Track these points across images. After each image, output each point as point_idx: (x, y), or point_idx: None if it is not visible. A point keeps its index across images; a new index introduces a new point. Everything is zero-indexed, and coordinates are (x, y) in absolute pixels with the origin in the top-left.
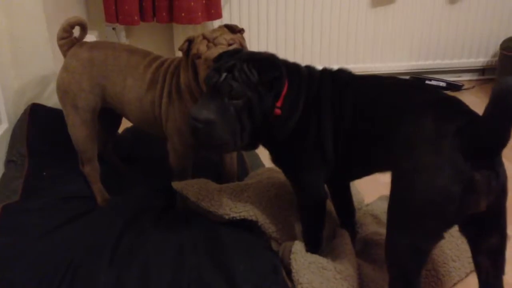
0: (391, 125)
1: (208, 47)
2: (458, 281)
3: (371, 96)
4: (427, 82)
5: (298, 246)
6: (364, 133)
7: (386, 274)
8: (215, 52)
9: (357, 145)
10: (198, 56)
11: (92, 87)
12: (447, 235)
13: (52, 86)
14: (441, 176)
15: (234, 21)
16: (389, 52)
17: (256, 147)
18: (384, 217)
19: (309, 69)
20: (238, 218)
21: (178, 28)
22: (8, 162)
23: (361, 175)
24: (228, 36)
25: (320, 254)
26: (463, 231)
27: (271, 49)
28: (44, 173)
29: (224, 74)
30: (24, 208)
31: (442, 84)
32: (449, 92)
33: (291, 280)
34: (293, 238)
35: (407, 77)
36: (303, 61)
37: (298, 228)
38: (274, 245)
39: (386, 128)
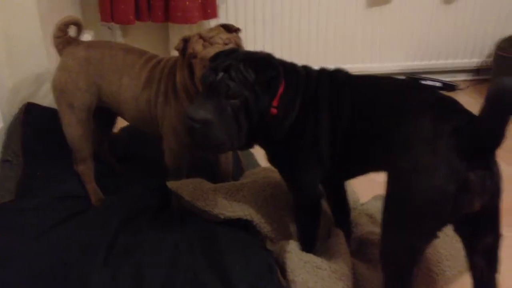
0: (388, 125)
1: (204, 47)
2: (452, 280)
3: (368, 96)
4: (422, 82)
5: (293, 246)
6: (362, 133)
7: (381, 274)
8: (211, 51)
9: (354, 144)
10: (194, 55)
11: (88, 86)
12: (441, 234)
13: (47, 85)
14: (437, 176)
15: (230, 21)
16: (384, 52)
17: (252, 146)
18: (379, 216)
19: (306, 69)
20: (233, 217)
21: (173, 27)
22: (3, 161)
23: (358, 174)
24: (224, 35)
25: (315, 254)
26: (458, 230)
27: (268, 49)
28: (39, 173)
29: (220, 74)
30: (19, 208)
31: (437, 84)
32: (444, 92)
33: (286, 280)
34: (288, 238)
35: (403, 77)
36: (299, 61)
37: (293, 228)
38: (269, 245)
39: (383, 128)
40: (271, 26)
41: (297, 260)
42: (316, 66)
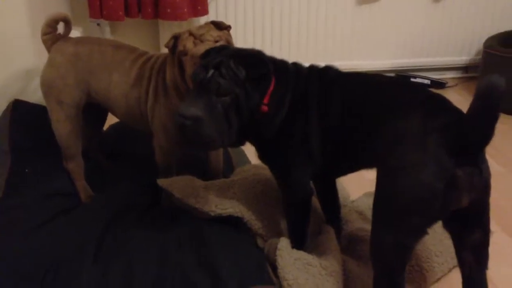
0: (378, 122)
1: (194, 44)
2: (442, 276)
3: (358, 93)
4: (411, 79)
5: (284, 243)
6: (352, 130)
7: (371, 270)
8: (201, 48)
9: (344, 142)
10: (185, 53)
11: (77, 82)
12: (430, 230)
13: (35, 82)
14: (425, 173)
15: (221, 18)
16: (374, 49)
17: (242, 143)
18: (369, 213)
19: (296, 66)
20: (223, 214)
21: (163, 24)
22: None
23: (348, 171)
24: (215, 33)
25: (305, 251)
26: (447, 226)
27: (258, 46)
28: (27, 170)
29: (211, 71)
30: (7, 205)
31: (426, 81)
32: (433, 90)
33: (277, 277)
34: (278, 235)
35: (392, 74)
36: (289, 58)
37: (283, 225)
38: (259, 242)
39: (373, 125)
40: (261, 23)
41: (287, 257)
42: (306, 63)
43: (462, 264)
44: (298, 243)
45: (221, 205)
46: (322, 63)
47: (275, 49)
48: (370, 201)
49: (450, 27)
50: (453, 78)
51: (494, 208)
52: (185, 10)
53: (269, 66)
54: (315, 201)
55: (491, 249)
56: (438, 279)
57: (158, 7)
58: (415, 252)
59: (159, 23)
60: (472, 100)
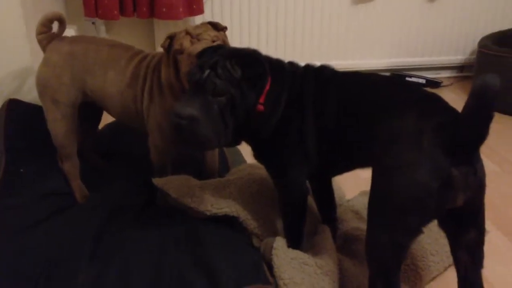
0: (373, 121)
1: (191, 43)
2: (437, 275)
3: (354, 92)
4: (407, 79)
5: (279, 242)
6: (347, 129)
7: (366, 269)
8: (198, 47)
9: (340, 141)
10: (181, 51)
11: (72, 81)
12: (426, 229)
13: (30, 81)
14: (421, 172)
15: (216, 17)
16: (369, 49)
17: (238, 143)
18: (364, 212)
19: (292, 65)
20: (219, 214)
21: (159, 23)
22: None
23: (344, 171)
24: (212, 33)
25: (301, 250)
26: (442, 226)
27: (253, 45)
28: (22, 170)
29: (207, 71)
30: (2, 205)
31: (422, 81)
32: (428, 89)
33: (273, 276)
34: (274, 234)
35: (388, 73)
36: (285, 57)
37: (279, 224)
38: (255, 241)
39: (369, 124)
40: (257, 22)
41: (283, 256)
42: (302, 63)
43: (457, 263)
44: (294, 243)
45: (216, 204)
46: (317, 63)
47: (270, 49)
48: (365, 201)
49: (445, 27)
50: (448, 77)
51: (489, 207)
52: (181, 9)
53: (265, 66)
54: (310, 201)
55: (486, 248)
56: (434, 278)
57: (153, 6)
58: (410, 251)
59: (154, 22)
60: (467, 99)
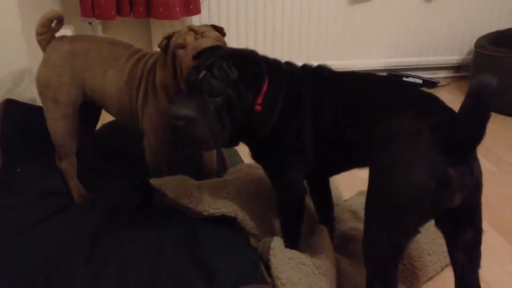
0: (371, 121)
1: (196, 38)
2: (434, 275)
3: (351, 92)
4: (404, 79)
5: (277, 242)
6: (345, 129)
7: (364, 269)
8: (203, 42)
9: (338, 141)
10: (183, 46)
11: (72, 80)
12: (423, 229)
13: (27, 81)
14: (417, 172)
15: (213, 17)
16: (366, 49)
17: (236, 144)
18: (362, 212)
19: (290, 65)
20: (217, 214)
21: (155, 23)
22: None
23: (341, 170)
24: (215, 33)
25: (298, 250)
26: (439, 225)
27: (250, 45)
28: (19, 170)
29: (203, 72)
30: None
31: (418, 81)
32: (425, 89)
33: (270, 276)
34: (272, 234)
35: (385, 73)
36: (282, 57)
37: (277, 224)
38: (253, 241)
39: (366, 124)
40: (254, 22)
41: (281, 256)
42: (299, 63)
43: (454, 263)
44: (292, 243)
45: (214, 205)
46: (315, 63)
47: (267, 49)
48: (362, 200)
49: (442, 27)
50: (445, 77)
51: (486, 207)
52: (177, 9)
53: (262, 66)
54: (308, 201)
55: (483, 248)
56: (431, 278)
57: (150, 6)
58: (407, 251)
59: (151, 22)
60: (463, 99)
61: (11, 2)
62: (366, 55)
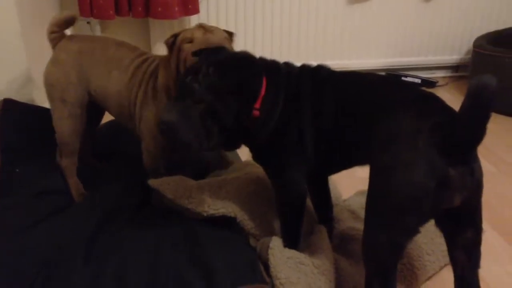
0: (371, 121)
1: (205, 34)
2: (433, 274)
3: (351, 92)
4: (402, 78)
5: (276, 242)
6: (345, 129)
7: (363, 268)
8: (211, 37)
9: (338, 141)
10: (190, 40)
11: (80, 80)
12: (422, 229)
13: (25, 81)
14: (417, 172)
15: (212, 17)
16: (365, 49)
17: (237, 147)
18: (360, 212)
19: (288, 66)
20: (216, 214)
21: (154, 23)
22: None
23: (341, 169)
24: (224, 34)
25: (297, 250)
26: (439, 225)
27: (249, 45)
28: (18, 170)
29: (189, 77)
30: None
31: (417, 80)
32: (423, 89)
33: (269, 276)
34: (271, 234)
35: (383, 73)
36: (281, 57)
37: (276, 224)
38: (252, 241)
39: (366, 124)
40: (252, 22)
41: (280, 256)
42: (298, 63)
43: (454, 263)
44: (291, 243)
45: (213, 205)
46: (313, 63)
47: (266, 49)
48: (361, 200)
49: (441, 27)
50: (444, 77)
51: (485, 207)
52: (176, 9)
53: (252, 74)
54: (307, 201)
55: (482, 248)
56: (430, 277)
57: (148, 6)
58: (406, 251)
59: (149, 22)
60: (463, 99)
61: (9, 2)
62: (365, 55)
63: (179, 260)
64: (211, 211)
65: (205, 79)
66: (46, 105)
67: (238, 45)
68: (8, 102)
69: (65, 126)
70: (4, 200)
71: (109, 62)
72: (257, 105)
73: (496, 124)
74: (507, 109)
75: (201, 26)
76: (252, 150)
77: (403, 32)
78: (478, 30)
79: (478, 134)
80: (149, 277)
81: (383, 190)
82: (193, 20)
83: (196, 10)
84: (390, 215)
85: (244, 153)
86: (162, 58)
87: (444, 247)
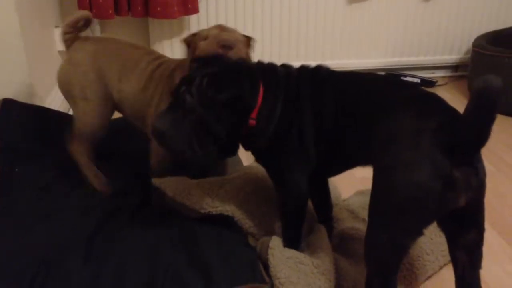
0: (372, 121)
1: (220, 32)
2: (432, 274)
3: (351, 92)
4: (402, 78)
5: (275, 242)
6: (346, 129)
7: (362, 268)
8: (225, 35)
9: (338, 141)
10: (206, 38)
11: (100, 78)
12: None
13: (24, 80)
14: (419, 172)
15: (211, 17)
16: (364, 48)
17: (234, 153)
18: (360, 212)
19: (286, 67)
20: (214, 213)
21: (153, 23)
22: None
23: (342, 170)
24: (243, 38)
25: (297, 249)
26: (442, 226)
27: None
28: (17, 169)
29: (183, 87)
30: None
31: (416, 80)
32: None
33: (269, 275)
34: (270, 233)
35: (382, 73)
36: (280, 57)
37: (275, 223)
38: (251, 241)
39: (367, 124)
40: (252, 22)
41: (279, 255)
42: (297, 63)
43: (455, 263)
44: (292, 243)
45: (212, 203)
46: (313, 63)
47: (266, 49)
48: (361, 200)
49: (440, 26)
50: (443, 76)
51: (486, 207)
52: (175, 8)
53: (244, 88)
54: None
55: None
56: (429, 277)
57: (148, 6)
58: None
59: (149, 21)
60: (468, 100)
61: (9, 2)
62: (364, 55)
63: (179, 260)
64: (210, 209)
65: (198, 90)
66: (45, 105)
67: None
68: (8, 102)
69: (89, 120)
70: (3, 200)
71: (125, 64)
72: (253, 115)
73: (496, 124)
74: (507, 109)
75: (219, 26)
76: (253, 152)
77: (402, 32)
78: (478, 29)
79: (483, 135)
80: (148, 277)
81: (385, 190)
82: (193, 20)
83: (195, 10)
84: (393, 215)
85: (246, 156)
86: (178, 62)
87: (443, 246)
